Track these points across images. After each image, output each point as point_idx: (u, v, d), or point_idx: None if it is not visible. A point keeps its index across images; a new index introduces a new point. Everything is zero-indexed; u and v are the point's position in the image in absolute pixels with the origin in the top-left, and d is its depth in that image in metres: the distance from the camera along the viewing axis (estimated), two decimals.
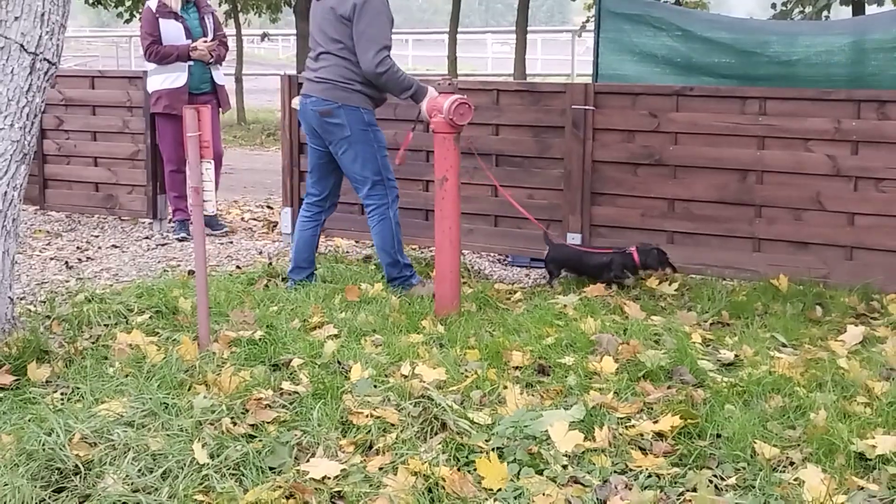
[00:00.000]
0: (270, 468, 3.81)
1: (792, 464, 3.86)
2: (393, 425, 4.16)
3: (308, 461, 3.86)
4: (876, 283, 6.23)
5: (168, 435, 3.97)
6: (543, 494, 3.59)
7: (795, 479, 3.69)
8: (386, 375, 4.74)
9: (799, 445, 4.00)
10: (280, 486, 3.61)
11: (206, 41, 8.61)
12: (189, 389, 4.51)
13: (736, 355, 5.11)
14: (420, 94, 6.27)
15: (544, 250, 6.90)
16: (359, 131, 6.30)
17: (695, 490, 3.64)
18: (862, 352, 5.16)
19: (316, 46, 6.40)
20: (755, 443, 3.96)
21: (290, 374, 4.78)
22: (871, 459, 3.82)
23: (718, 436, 4.08)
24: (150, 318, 5.67)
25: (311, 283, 6.64)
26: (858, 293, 6.11)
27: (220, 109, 8.97)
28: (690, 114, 6.81)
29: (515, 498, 3.58)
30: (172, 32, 8.57)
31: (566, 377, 4.73)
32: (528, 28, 16.91)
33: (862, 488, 3.61)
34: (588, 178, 7.12)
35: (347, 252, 7.97)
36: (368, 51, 6.11)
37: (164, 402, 4.28)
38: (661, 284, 6.52)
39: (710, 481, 3.72)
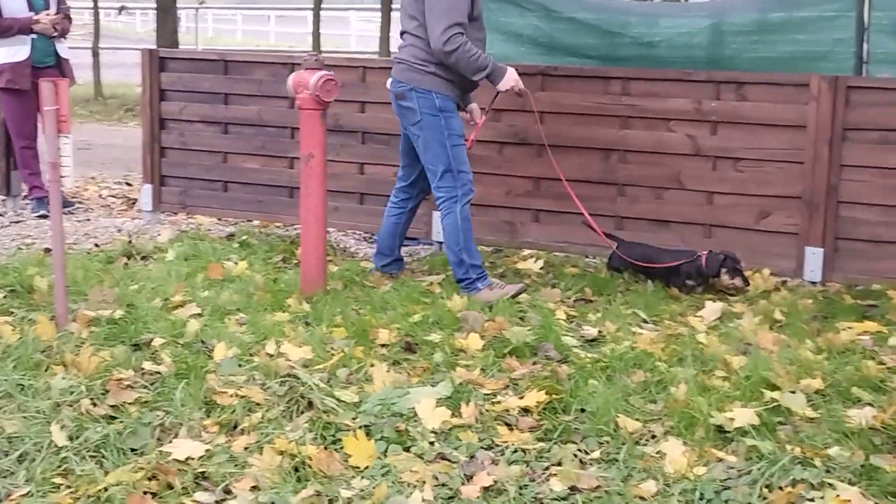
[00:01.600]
0: (132, 450, 3.72)
1: (654, 437, 3.93)
2: (258, 405, 4.10)
3: (171, 442, 3.78)
4: None
5: (25, 417, 3.86)
6: (411, 471, 3.59)
7: (657, 452, 3.76)
8: (251, 354, 4.68)
9: (660, 419, 4.08)
10: (142, 468, 3.53)
11: (49, 14, 8.34)
12: (46, 370, 4.37)
13: (599, 331, 5.19)
14: (497, 75, 5.92)
15: (417, 228, 6.88)
16: (429, 117, 5.88)
17: (560, 464, 3.68)
18: (720, 327, 5.29)
19: (401, 24, 6.04)
20: (618, 417, 4.03)
21: (152, 353, 4.68)
22: (729, 432, 3.91)
23: (582, 410, 4.14)
24: (4, 297, 5.48)
25: (395, 272, 6.34)
26: None
27: None
28: (555, 94, 6.86)
29: (383, 475, 3.57)
30: (13, 5, 8.27)
31: (433, 354, 4.73)
32: (393, 6, 16.84)
33: (721, 460, 3.70)
34: None
35: (210, 229, 7.84)
36: (436, 27, 5.69)
37: (20, 384, 4.14)
38: (527, 261, 6.58)
39: (575, 455, 3.77)
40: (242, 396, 4.14)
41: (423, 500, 3.40)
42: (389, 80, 6.09)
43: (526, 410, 4.15)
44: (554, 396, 4.21)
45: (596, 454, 3.79)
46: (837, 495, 3.36)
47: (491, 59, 5.87)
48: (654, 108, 6.63)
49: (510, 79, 5.96)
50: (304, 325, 5.19)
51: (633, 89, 6.69)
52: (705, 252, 6.09)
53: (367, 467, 3.64)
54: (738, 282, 6.02)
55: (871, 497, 3.38)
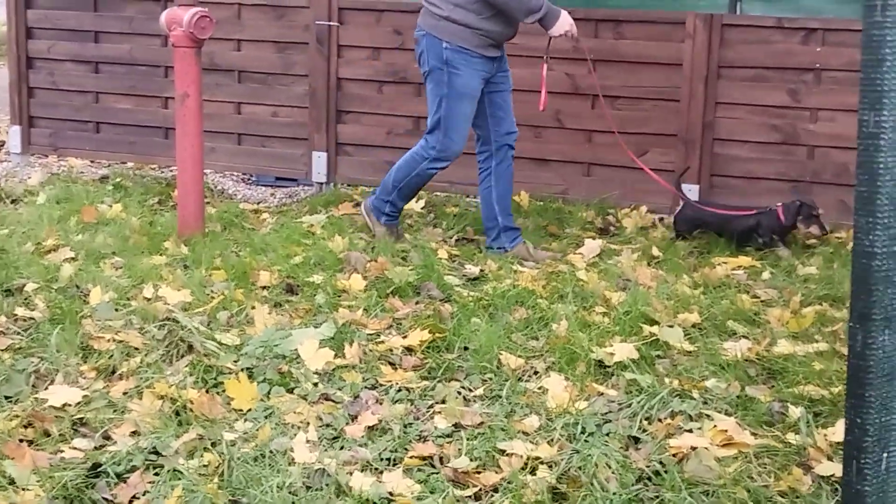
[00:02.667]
0: (6, 397, 3.62)
1: (536, 373, 3.97)
2: (137, 349, 4.03)
3: (47, 389, 3.69)
4: (612, 198, 6.45)
5: None
6: (294, 412, 3.57)
7: (539, 388, 3.80)
8: (128, 298, 4.58)
9: (542, 355, 4.12)
10: (17, 416, 3.44)
11: None
12: None
13: (481, 270, 5.21)
14: (551, 17, 5.40)
15: (296, 169, 6.80)
16: (434, 68, 5.42)
17: (444, 402, 3.69)
18: (599, 264, 5.35)
19: None
20: (501, 354, 4.05)
21: (25, 299, 4.54)
22: (609, 366, 3.97)
23: (466, 348, 4.15)
24: None
25: (511, 245, 5.57)
26: (595, 208, 6.32)
27: None
28: None
29: (266, 417, 3.54)
30: None
31: (315, 296, 4.70)
32: None
33: (601, 394, 3.75)
34: (333, 96, 7.04)
35: (82, 172, 7.63)
36: None
37: None
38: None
39: (459, 393, 3.79)
40: (120, 341, 4.05)
41: (308, 441, 3.37)
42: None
43: (409, 349, 4.15)
44: (437, 335, 4.21)
45: (479, 391, 3.81)
46: (715, 426, 3.44)
47: (545, 1, 5.39)
48: (532, 45, 6.60)
49: (565, 23, 5.46)
50: (182, 269, 5.09)
51: None
52: (780, 204, 5.71)
53: (249, 410, 3.60)
54: (814, 230, 5.69)
55: (747, 427, 3.46)
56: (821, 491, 3.06)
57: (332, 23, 6.94)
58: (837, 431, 3.41)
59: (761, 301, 4.78)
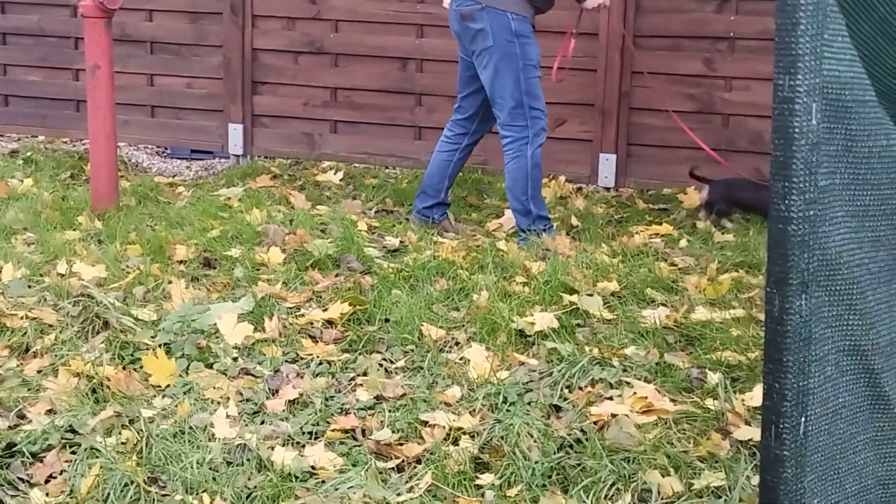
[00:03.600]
0: None
1: (457, 344, 3.97)
2: (51, 326, 3.95)
3: None
4: None
5: None
6: (214, 388, 3.53)
7: (461, 359, 3.80)
8: (41, 275, 4.49)
9: (463, 326, 4.12)
10: None
11: None
12: None
13: (401, 241, 5.19)
14: None
15: (212, 142, 6.70)
16: (503, 42, 5.08)
17: (365, 374, 3.68)
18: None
19: None
20: (422, 325, 4.04)
21: None
22: (530, 336, 3.98)
23: (387, 320, 4.13)
24: None
25: (438, 218, 5.51)
26: None
27: None
28: (350, 1, 6.75)
29: (185, 393, 3.50)
30: None
31: (233, 269, 4.64)
32: None
33: (522, 363, 3.77)
34: (248, 67, 6.94)
35: None
36: None
37: None
38: (326, 173, 6.51)
39: (380, 365, 3.78)
40: (33, 318, 3.97)
41: (228, 417, 3.34)
42: None
43: (330, 322, 4.12)
44: (358, 307, 4.19)
45: (401, 363, 3.80)
46: (634, 392, 3.47)
47: None
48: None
49: None
50: (96, 244, 5.00)
51: None
52: None
53: (168, 386, 3.55)
54: None
55: (667, 393, 3.50)
56: (739, 455, 3.10)
57: None
58: (755, 396, 3.46)
59: (679, 269, 4.83)
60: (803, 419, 1.17)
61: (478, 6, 5.09)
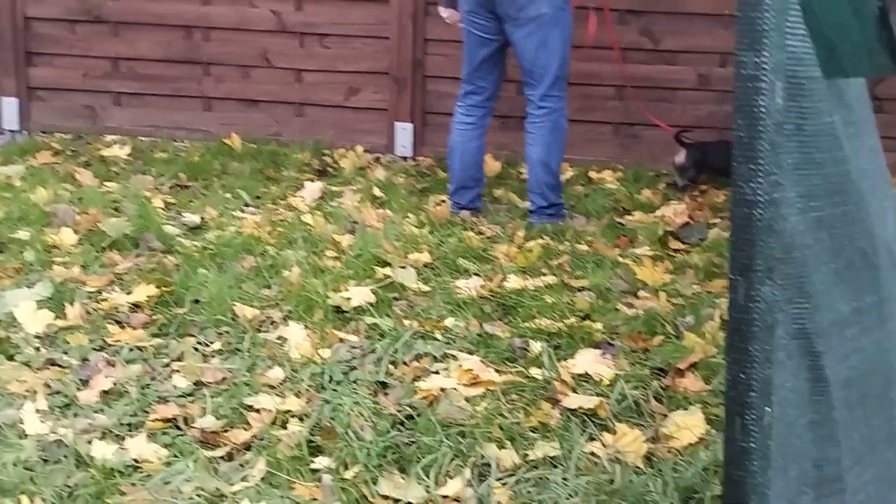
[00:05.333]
0: None
1: (273, 323, 3.85)
2: None
3: None
4: (326, 138, 6.35)
5: None
6: (18, 381, 3.32)
7: (279, 338, 3.70)
8: None
9: (278, 304, 4.00)
10: None
11: None
12: None
13: (201, 218, 5.00)
14: None
15: None
16: (556, 10, 4.82)
17: (181, 359, 3.54)
18: (323, 207, 5.24)
19: None
20: (234, 305, 3.91)
21: None
22: (347, 311, 3.91)
23: (197, 301, 3.98)
24: None
25: (480, 207, 5.28)
26: (311, 149, 6.19)
27: None
28: None
29: None
30: None
31: (23, 253, 4.37)
32: None
33: (343, 340, 3.69)
34: (21, 37, 6.55)
35: None
36: None
37: None
38: (112, 148, 6.22)
39: (196, 349, 3.63)
40: None
41: (38, 411, 3.14)
42: None
43: (137, 306, 3.94)
44: (164, 289, 4.02)
45: (217, 345, 3.66)
46: (460, 365, 3.45)
47: None
48: None
49: None
50: None
51: None
52: None
53: None
54: None
55: (491, 364, 3.49)
56: (570, 423, 3.13)
57: None
58: (577, 363, 3.51)
59: (487, 237, 4.83)
60: (768, 409, 1.15)
61: None
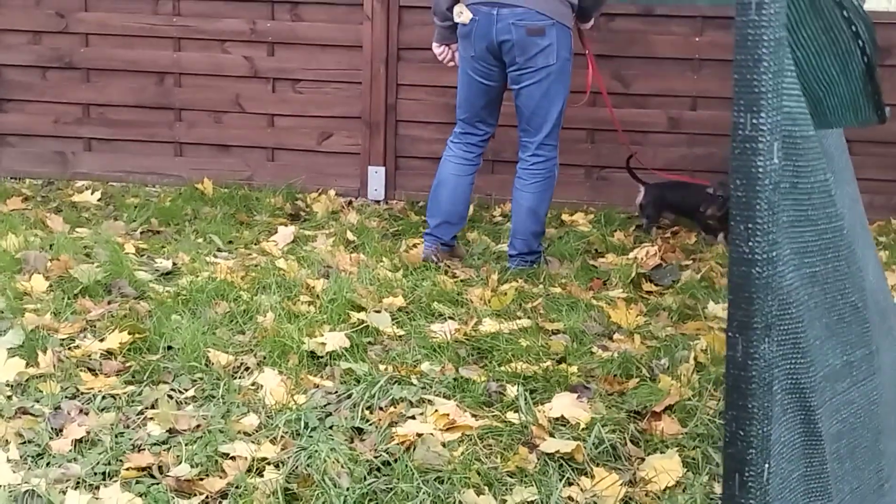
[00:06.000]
0: None
1: (248, 369, 3.82)
2: None
3: None
4: (298, 182, 6.36)
5: None
6: None
7: (254, 384, 3.66)
8: None
9: (252, 350, 3.98)
10: None
11: None
12: None
13: (174, 263, 4.98)
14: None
15: None
16: (564, 61, 4.83)
17: (154, 406, 3.49)
18: (296, 251, 5.23)
19: None
20: (208, 351, 3.87)
21: None
22: (322, 357, 3.89)
23: (170, 348, 3.94)
24: None
25: (454, 245, 5.26)
26: (283, 193, 6.20)
27: None
28: (101, 14, 6.47)
29: None
30: None
31: None
32: None
33: (318, 386, 3.67)
34: None
35: None
36: None
37: None
38: (83, 193, 6.19)
39: (170, 396, 3.58)
40: None
41: (9, 461, 3.09)
42: (491, 9, 4.79)
43: (109, 353, 3.90)
44: (137, 336, 3.98)
45: (191, 392, 3.63)
46: (436, 410, 3.43)
47: None
48: (208, 28, 6.43)
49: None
50: None
51: (185, 9, 6.45)
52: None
53: None
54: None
55: (468, 409, 3.48)
56: (547, 468, 3.12)
57: None
58: (554, 407, 3.49)
59: (461, 280, 4.84)
60: (767, 465, 1.14)
61: (549, 21, 4.75)
